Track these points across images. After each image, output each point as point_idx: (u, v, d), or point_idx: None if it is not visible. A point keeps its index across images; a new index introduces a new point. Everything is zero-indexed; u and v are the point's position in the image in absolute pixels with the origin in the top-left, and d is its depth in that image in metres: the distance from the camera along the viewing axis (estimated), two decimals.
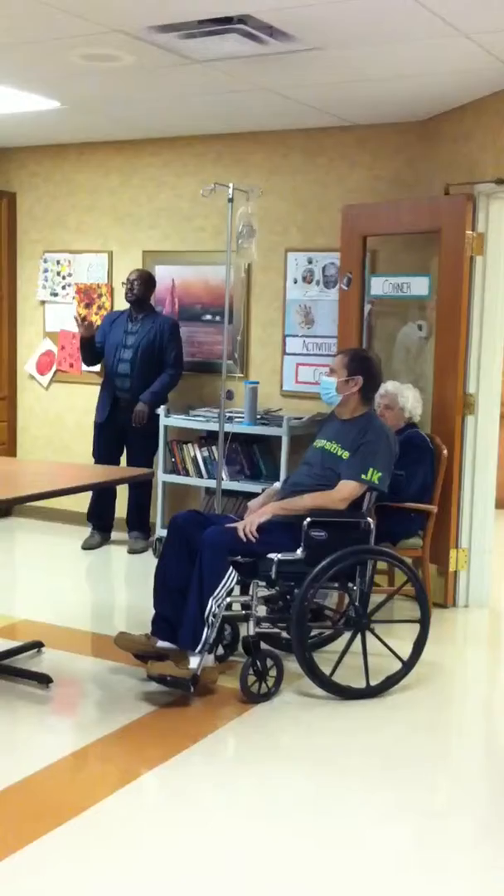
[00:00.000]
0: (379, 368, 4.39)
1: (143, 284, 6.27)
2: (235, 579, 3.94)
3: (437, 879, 2.78)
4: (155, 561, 4.37)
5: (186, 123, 6.11)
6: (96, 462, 6.34)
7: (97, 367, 6.58)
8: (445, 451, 5.05)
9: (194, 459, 6.14)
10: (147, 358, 6.20)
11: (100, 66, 4.74)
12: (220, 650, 4.30)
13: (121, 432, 6.30)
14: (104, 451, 6.33)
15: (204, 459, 6.10)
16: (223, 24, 4.05)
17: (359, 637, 4.09)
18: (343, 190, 5.97)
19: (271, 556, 3.95)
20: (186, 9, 3.91)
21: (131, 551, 6.32)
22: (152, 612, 4.12)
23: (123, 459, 6.33)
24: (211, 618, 3.86)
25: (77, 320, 6.29)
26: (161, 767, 3.40)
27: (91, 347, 6.34)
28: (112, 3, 3.85)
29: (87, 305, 6.90)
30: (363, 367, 4.26)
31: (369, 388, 4.31)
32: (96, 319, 6.68)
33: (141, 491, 6.34)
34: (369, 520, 4.14)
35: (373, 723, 3.85)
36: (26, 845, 2.83)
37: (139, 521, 6.42)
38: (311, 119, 5.78)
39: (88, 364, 6.57)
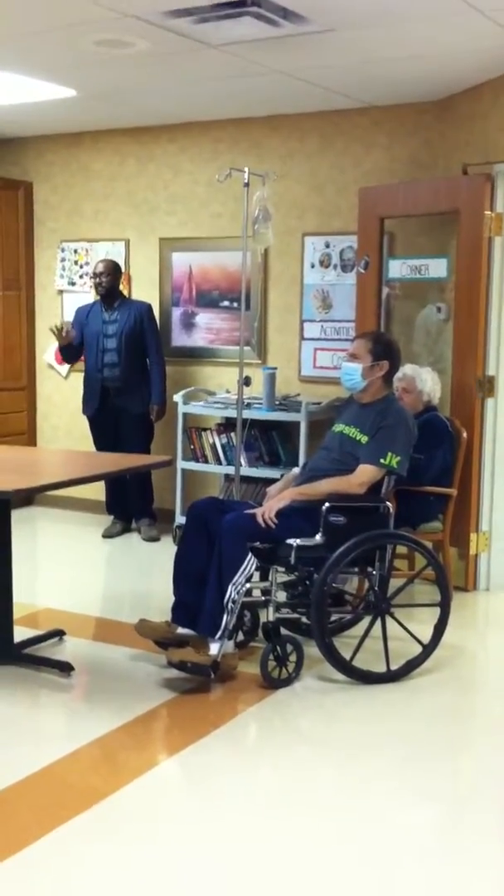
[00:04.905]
0: (399, 351, 4.37)
1: (111, 275, 6.27)
2: (255, 565, 3.93)
3: (458, 865, 2.77)
4: (174, 548, 4.37)
5: (201, 109, 6.08)
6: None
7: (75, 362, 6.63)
8: (465, 434, 5.02)
9: (213, 446, 6.13)
10: (132, 344, 6.21)
11: (114, 53, 4.72)
12: (241, 636, 4.30)
13: (115, 422, 6.31)
14: (105, 442, 6.35)
15: (222, 446, 6.09)
16: (237, 7, 4.02)
17: (379, 621, 4.07)
18: (360, 172, 5.93)
19: (290, 541, 3.93)
20: None
21: (146, 538, 6.33)
22: (172, 599, 4.12)
23: None
24: (230, 604, 3.85)
25: (54, 332, 6.29)
26: (182, 753, 3.40)
27: (71, 348, 6.35)
28: None
29: None
30: (388, 352, 4.24)
31: (392, 372, 4.29)
32: None
33: (141, 478, 6.33)
34: (388, 504, 4.12)
35: (393, 707, 3.84)
36: (50, 831, 2.84)
37: (144, 508, 6.44)
38: (326, 102, 5.74)
39: (70, 362, 6.60)
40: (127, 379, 6.21)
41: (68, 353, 6.41)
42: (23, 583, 4.51)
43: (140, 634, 4.11)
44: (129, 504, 6.51)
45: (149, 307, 6.35)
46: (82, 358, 6.45)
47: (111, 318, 6.27)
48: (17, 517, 4.50)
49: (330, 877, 2.68)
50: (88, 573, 5.82)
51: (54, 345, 7.18)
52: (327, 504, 3.97)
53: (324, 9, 4.05)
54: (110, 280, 6.27)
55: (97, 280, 6.28)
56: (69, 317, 7.03)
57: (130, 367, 6.22)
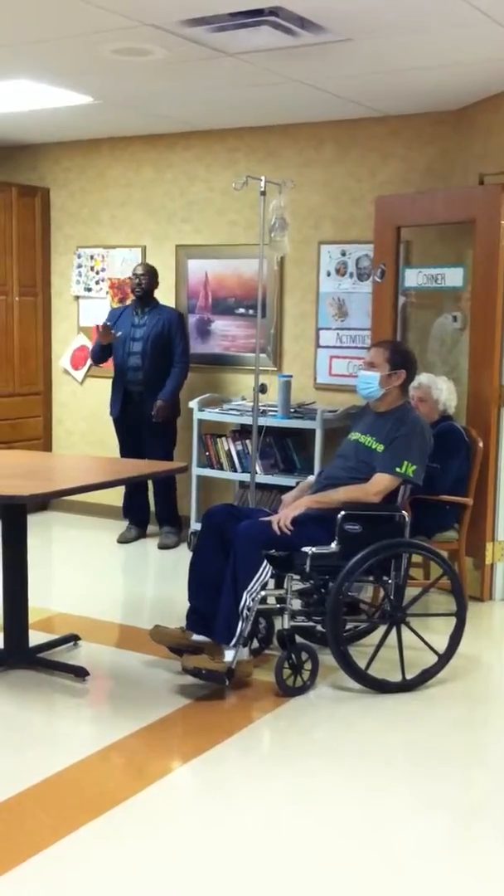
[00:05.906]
0: (416, 360, 4.37)
1: (150, 278, 6.30)
2: (270, 573, 3.94)
3: (470, 875, 2.76)
4: (189, 555, 4.38)
5: (218, 117, 6.10)
6: (123, 457, 6.37)
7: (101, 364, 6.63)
8: (481, 444, 5.01)
9: (228, 453, 6.14)
10: (158, 350, 6.21)
11: (131, 61, 4.74)
12: (255, 644, 4.29)
13: (136, 425, 6.32)
14: (129, 444, 6.37)
15: (238, 453, 6.10)
16: (255, 16, 4.03)
17: (394, 630, 4.07)
18: (376, 181, 5.93)
19: (305, 549, 3.93)
20: (218, 1, 3.90)
21: (162, 546, 6.33)
22: (187, 605, 4.13)
23: None
24: (245, 611, 3.86)
25: (100, 328, 6.29)
26: (196, 760, 3.41)
27: (104, 348, 6.36)
28: None
29: (122, 300, 6.92)
30: (406, 361, 4.24)
31: (409, 382, 4.30)
32: None
33: (165, 485, 6.34)
34: (404, 513, 4.11)
35: (408, 717, 3.83)
36: (65, 836, 2.85)
37: (168, 515, 6.44)
38: (343, 110, 5.75)
39: (98, 363, 6.61)
40: (149, 383, 6.21)
41: (101, 353, 6.41)
42: (38, 587, 4.52)
43: (155, 641, 4.12)
44: (150, 510, 6.51)
45: (179, 315, 6.36)
46: (104, 364, 6.46)
47: (140, 322, 6.29)
48: (33, 522, 4.51)
49: (341, 885, 2.68)
50: (103, 578, 5.83)
51: (70, 350, 7.23)
52: (343, 512, 3.97)
53: (341, 18, 4.06)
54: (149, 281, 6.28)
55: (136, 280, 6.29)
56: (84, 322, 7.09)
57: (154, 371, 6.21)
